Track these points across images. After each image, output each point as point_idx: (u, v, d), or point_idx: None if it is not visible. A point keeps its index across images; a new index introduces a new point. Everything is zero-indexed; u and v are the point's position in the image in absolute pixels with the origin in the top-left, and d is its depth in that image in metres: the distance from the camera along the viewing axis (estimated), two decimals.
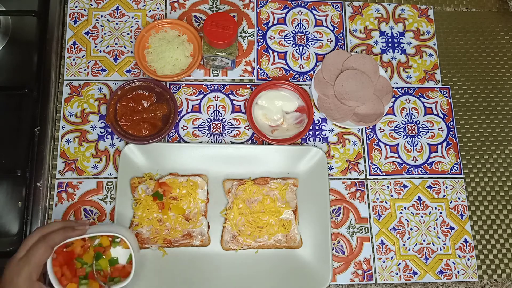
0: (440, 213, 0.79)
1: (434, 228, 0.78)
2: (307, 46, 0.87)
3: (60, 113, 0.79)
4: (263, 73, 0.84)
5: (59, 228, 0.61)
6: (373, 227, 0.78)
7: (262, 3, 0.88)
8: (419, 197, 0.80)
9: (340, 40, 0.88)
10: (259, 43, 0.86)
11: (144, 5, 0.86)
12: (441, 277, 0.76)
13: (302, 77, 0.85)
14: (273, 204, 0.74)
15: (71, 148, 0.77)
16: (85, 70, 0.81)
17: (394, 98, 0.85)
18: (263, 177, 0.76)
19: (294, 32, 0.87)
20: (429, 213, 0.79)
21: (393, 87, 0.85)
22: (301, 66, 0.85)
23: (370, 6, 0.90)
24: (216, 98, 0.82)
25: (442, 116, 0.85)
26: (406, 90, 0.86)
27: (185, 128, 0.80)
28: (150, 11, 0.86)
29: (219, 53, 0.76)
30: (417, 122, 0.84)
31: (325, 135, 0.82)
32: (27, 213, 0.73)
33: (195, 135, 0.80)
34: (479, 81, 0.88)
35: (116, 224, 0.72)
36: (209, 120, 0.81)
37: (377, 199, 0.79)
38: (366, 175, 0.80)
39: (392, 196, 0.80)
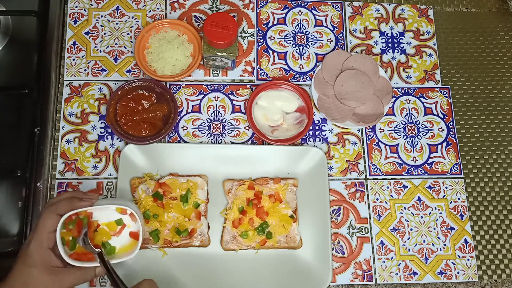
0: (440, 213, 0.79)
1: (434, 229, 0.78)
2: (307, 46, 0.87)
3: (60, 113, 0.79)
4: (263, 73, 0.84)
5: (67, 197, 0.61)
6: (373, 228, 0.78)
7: (262, 3, 0.88)
8: (419, 197, 0.80)
9: (340, 40, 0.88)
10: (259, 43, 0.86)
11: (144, 5, 0.86)
12: (441, 277, 0.76)
13: (302, 77, 0.85)
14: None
15: (71, 149, 0.77)
16: (85, 70, 0.81)
17: (394, 98, 0.85)
18: (263, 178, 0.76)
19: (294, 32, 0.87)
20: (429, 213, 0.79)
21: (393, 87, 0.85)
22: (301, 66, 0.85)
23: (370, 6, 0.90)
24: (216, 98, 0.82)
25: (442, 116, 0.85)
26: (406, 90, 0.86)
27: (185, 128, 0.80)
28: (150, 11, 0.85)
29: (219, 53, 0.76)
30: (417, 122, 0.84)
31: (325, 135, 0.82)
32: (27, 213, 0.73)
33: (195, 135, 0.80)
34: (479, 81, 0.88)
35: (120, 198, 0.72)
36: (209, 120, 0.81)
37: (377, 199, 0.79)
38: (366, 176, 0.80)
39: (392, 197, 0.80)
